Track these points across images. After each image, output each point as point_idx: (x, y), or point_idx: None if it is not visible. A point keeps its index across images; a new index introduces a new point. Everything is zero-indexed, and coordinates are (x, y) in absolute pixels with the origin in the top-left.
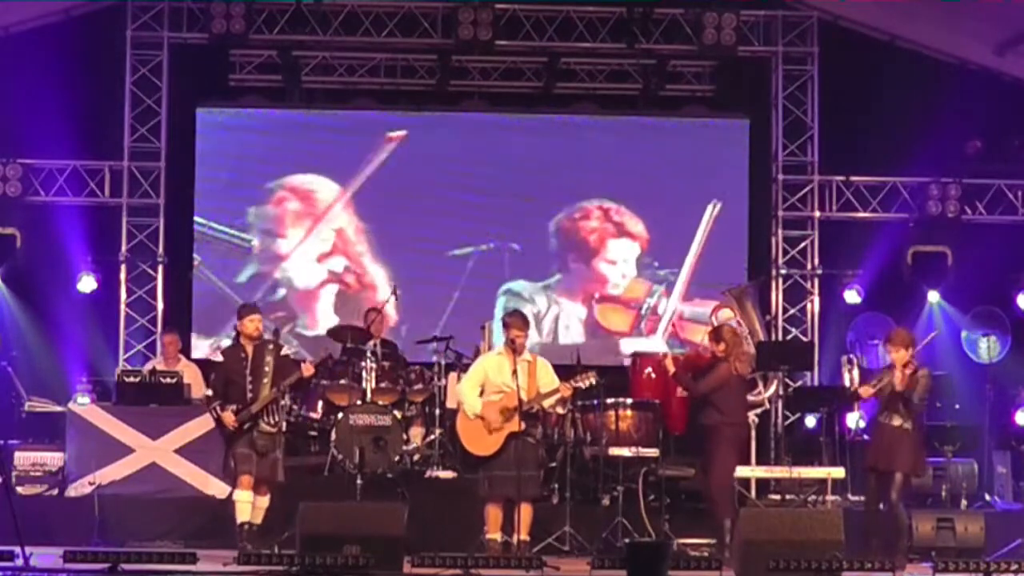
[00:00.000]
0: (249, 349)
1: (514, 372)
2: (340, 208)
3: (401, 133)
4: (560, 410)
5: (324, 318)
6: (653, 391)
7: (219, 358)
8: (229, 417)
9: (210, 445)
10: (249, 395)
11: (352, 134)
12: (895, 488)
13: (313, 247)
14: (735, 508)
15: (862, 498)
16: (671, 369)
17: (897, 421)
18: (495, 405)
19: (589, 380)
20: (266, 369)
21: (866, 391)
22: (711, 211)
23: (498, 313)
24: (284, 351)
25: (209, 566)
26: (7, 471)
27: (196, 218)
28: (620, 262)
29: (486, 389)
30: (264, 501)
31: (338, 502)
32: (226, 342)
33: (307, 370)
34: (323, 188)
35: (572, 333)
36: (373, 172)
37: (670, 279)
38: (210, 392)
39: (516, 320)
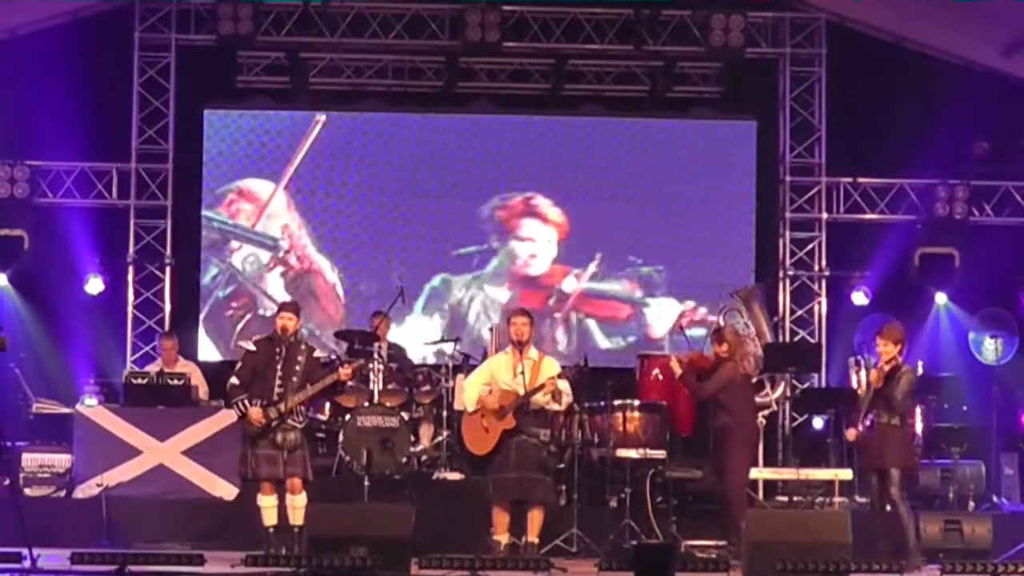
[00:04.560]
0: (284, 346)
1: (519, 372)
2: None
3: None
4: (556, 406)
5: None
6: (660, 392)
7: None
8: (257, 413)
9: (217, 447)
10: (277, 392)
11: (359, 136)
12: (894, 484)
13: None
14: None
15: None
16: (677, 371)
17: (884, 418)
18: (492, 399)
19: (573, 371)
20: (296, 369)
21: (852, 434)
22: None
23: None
24: (316, 354)
25: (216, 568)
26: (15, 473)
27: (207, 212)
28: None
29: (493, 389)
30: (302, 500)
31: (345, 503)
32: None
33: (344, 374)
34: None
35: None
36: (302, 158)
37: (654, 277)
38: (236, 381)
39: (515, 313)
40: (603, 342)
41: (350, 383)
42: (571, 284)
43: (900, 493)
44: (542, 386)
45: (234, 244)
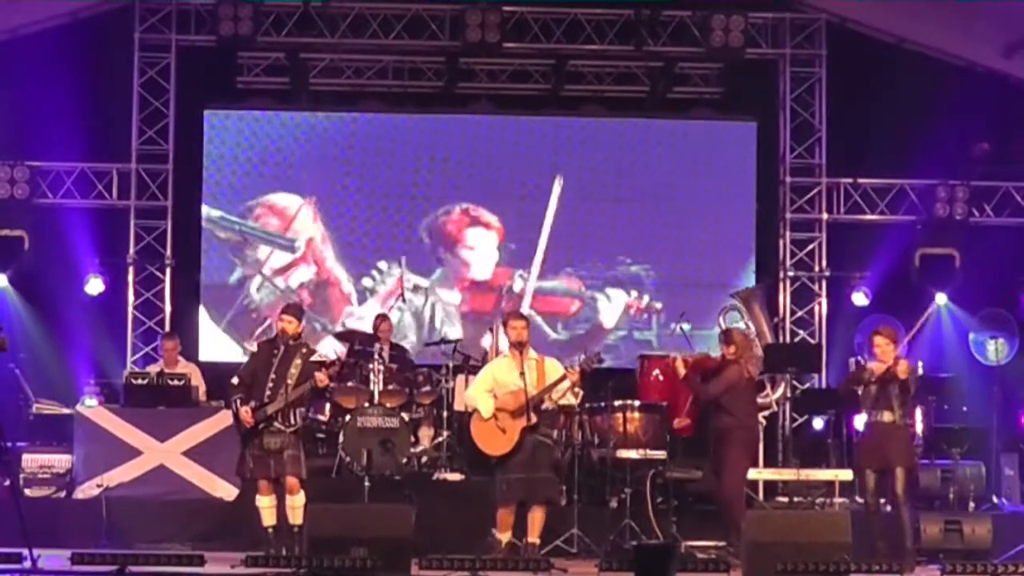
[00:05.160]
0: (282, 348)
1: (522, 373)
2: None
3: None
4: (572, 399)
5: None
6: (660, 393)
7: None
8: (246, 414)
9: (218, 447)
10: (268, 394)
11: (359, 137)
12: (899, 484)
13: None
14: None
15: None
16: (681, 372)
17: (888, 417)
18: (506, 402)
19: (592, 362)
20: (292, 371)
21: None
22: (558, 188)
23: None
24: (315, 357)
25: (216, 568)
26: (15, 473)
27: (227, 215)
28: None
29: (497, 392)
30: (299, 500)
31: (345, 504)
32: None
33: (321, 381)
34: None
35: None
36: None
37: (642, 274)
38: (236, 380)
39: (512, 317)
40: (552, 334)
41: (350, 383)
42: (518, 284)
43: (904, 494)
44: (562, 378)
45: (263, 249)
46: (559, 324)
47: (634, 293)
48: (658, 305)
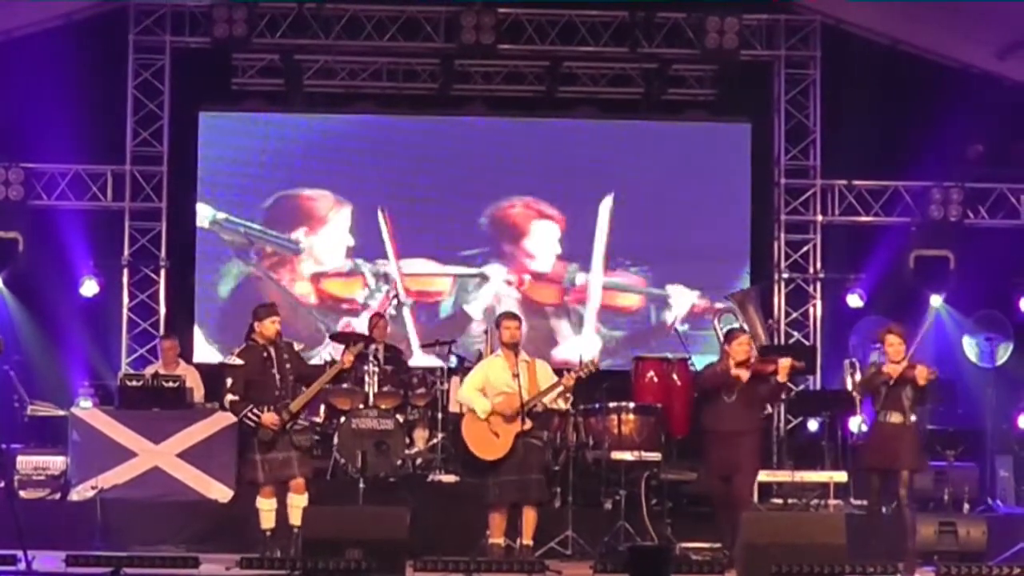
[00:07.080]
0: (271, 349)
1: (515, 374)
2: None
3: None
4: (563, 404)
5: None
6: (655, 395)
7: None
8: (273, 418)
9: (212, 449)
10: (283, 393)
11: (354, 138)
12: (903, 486)
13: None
14: None
15: (864, 502)
16: (784, 378)
17: (897, 418)
18: (501, 406)
19: (589, 368)
20: (288, 367)
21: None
22: (608, 204)
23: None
24: (297, 347)
25: (211, 570)
26: (9, 475)
27: (232, 217)
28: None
29: (488, 392)
30: (304, 499)
31: (340, 506)
32: None
33: (347, 360)
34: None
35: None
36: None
37: (649, 275)
38: (236, 397)
39: (505, 317)
40: (616, 332)
41: (345, 385)
42: (581, 278)
43: (907, 496)
44: (556, 384)
45: (267, 250)
46: (621, 320)
47: (696, 293)
48: (720, 306)
